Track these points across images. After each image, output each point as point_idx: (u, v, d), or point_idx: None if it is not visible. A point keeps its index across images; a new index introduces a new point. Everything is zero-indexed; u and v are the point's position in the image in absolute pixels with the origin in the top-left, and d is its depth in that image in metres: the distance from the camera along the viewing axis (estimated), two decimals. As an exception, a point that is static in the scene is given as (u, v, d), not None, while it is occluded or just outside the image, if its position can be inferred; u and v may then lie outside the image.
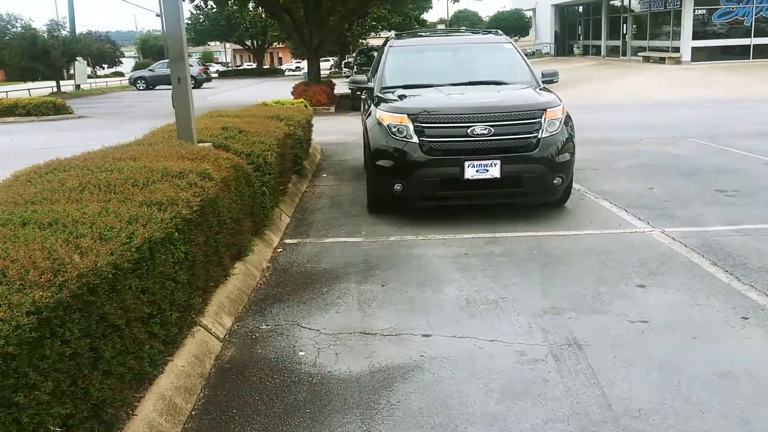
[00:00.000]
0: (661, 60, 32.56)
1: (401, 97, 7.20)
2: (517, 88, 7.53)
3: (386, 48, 8.51)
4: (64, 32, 36.88)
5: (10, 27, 34.09)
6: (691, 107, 18.35)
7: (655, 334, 4.12)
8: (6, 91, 34.67)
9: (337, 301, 4.81)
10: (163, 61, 44.92)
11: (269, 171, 6.42)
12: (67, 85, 42.23)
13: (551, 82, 8.12)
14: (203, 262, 4.18)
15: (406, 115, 6.71)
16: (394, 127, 6.73)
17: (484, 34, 9.87)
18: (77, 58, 39.24)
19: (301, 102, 11.70)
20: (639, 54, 36.07)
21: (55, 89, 38.12)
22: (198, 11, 58.46)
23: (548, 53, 50.47)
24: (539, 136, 6.64)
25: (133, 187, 4.02)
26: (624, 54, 38.75)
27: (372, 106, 7.30)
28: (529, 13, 56.56)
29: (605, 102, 20.78)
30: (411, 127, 6.65)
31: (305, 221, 7.22)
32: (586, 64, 37.07)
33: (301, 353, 4.01)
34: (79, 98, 36.15)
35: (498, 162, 6.52)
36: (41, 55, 34.71)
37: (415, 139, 6.62)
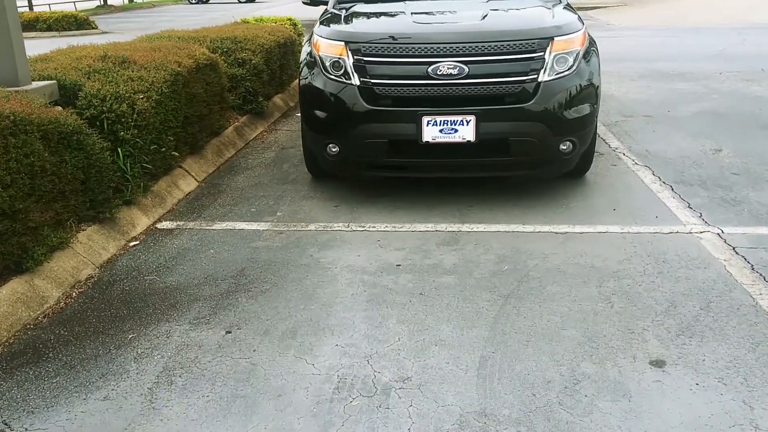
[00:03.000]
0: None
1: (351, 16, 4.99)
2: (521, 5, 5.18)
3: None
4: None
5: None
6: (794, 31, 15.02)
7: None
8: (49, 4, 33.52)
9: (120, 372, 2.88)
10: (216, -28, 42.87)
11: (139, 122, 4.45)
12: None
13: (581, -4, 5.71)
14: None
15: (343, 44, 4.54)
16: (329, 61, 4.59)
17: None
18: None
19: (288, 20, 9.50)
20: (737, -33, 31.39)
21: (102, 2, 36.76)
22: None
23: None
24: (539, 79, 4.37)
25: None
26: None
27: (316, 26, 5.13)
28: None
29: (686, 24, 17.52)
30: (350, 61, 4.49)
31: (215, 189, 5.26)
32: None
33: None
34: (123, 12, 34.77)
35: (472, 118, 4.32)
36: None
37: (355, 80, 4.47)
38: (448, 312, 3.25)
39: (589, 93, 4.58)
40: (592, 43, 4.79)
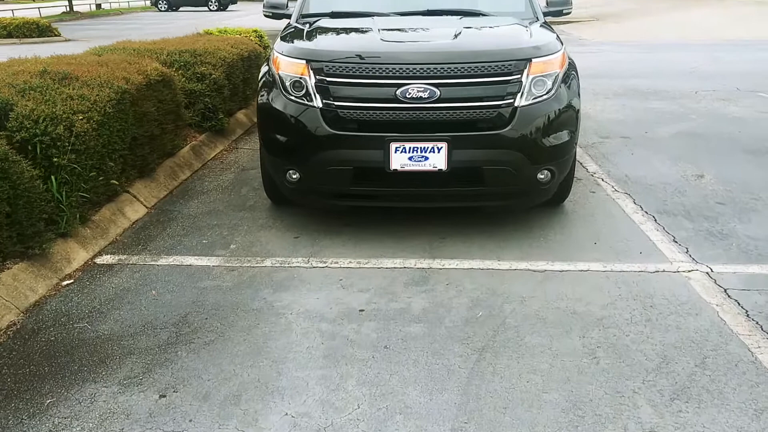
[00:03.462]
0: (732, -9, 28.37)
1: (314, 32, 4.62)
2: (496, 23, 4.86)
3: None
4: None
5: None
6: (766, 49, 15.02)
7: None
8: (12, 9, 32.65)
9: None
10: (186, -20, 42.34)
11: (77, 146, 4.03)
12: (86, 4, 40.13)
13: (559, 13, 5.43)
14: None
15: (305, 62, 4.16)
16: (290, 80, 4.21)
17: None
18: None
19: (254, 32, 9.10)
20: (706, -17, 31.72)
21: (68, 8, 35.96)
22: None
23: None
24: (516, 103, 4.04)
25: None
26: (689, -17, 34.31)
27: (276, 41, 4.74)
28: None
29: (659, 40, 17.50)
30: (311, 81, 4.12)
31: (165, 216, 4.84)
32: (644, -7, 32.94)
33: None
34: (90, 19, 34.02)
35: (444, 145, 3.98)
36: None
37: (317, 102, 4.10)
38: (415, 370, 2.88)
39: (569, 118, 4.26)
40: (571, 65, 4.49)
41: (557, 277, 3.78)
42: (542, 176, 4.20)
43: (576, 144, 4.44)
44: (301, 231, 4.50)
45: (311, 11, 5.26)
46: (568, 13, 5.49)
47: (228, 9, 40.72)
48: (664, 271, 3.85)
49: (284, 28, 5.09)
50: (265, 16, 5.70)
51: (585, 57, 13.52)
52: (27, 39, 20.41)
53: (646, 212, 4.81)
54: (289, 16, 5.40)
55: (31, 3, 37.07)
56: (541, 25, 4.87)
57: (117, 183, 4.58)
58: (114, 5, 43.66)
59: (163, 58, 6.49)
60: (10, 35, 20.45)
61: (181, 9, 40.58)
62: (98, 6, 41.51)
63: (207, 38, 7.95)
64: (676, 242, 4.25)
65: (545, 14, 5.26)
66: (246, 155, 6.56)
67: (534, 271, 3.86)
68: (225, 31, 8.95)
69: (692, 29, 19.31)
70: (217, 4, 40.32)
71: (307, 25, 4.83)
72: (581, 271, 3.86)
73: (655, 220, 4.64)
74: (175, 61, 6.54)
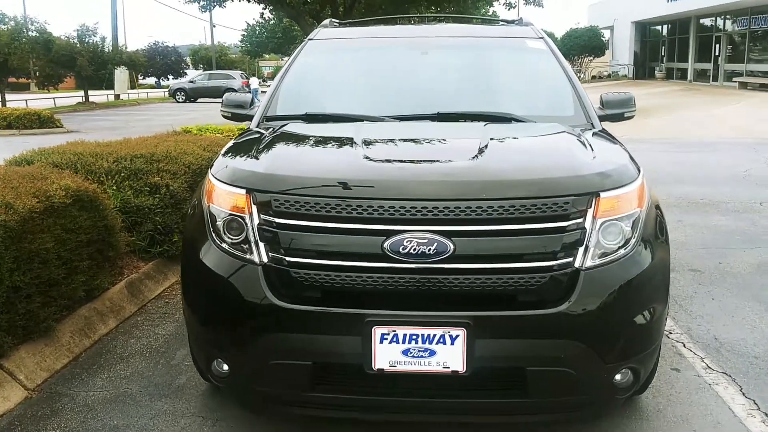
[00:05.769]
0: (763, 87, 27.33)
1: (270, 144, 3.15)
2: (536, 131, 3.39)
3: (303, 44, 4.48)
4: (95, 38, 34.32)
5: (25, 30, 31.58)
6: (818, 150, 13.51)
7: None
8: (26, 99, 32.44)
9: None
10: (205, 72, 42.52)
11: None
12: (103, 95, 40.19)
13: (620, 118, 3.95)
14: None
15: (245, 192, 2.67)
16: (222, 219, 2.71)
17: (498, 26, 5.69)
18: (119, 67, 36.95)
19: (240, 130, 7.79)
20: (734, 79, 30.82)
21: (84, 99, 35.84)
22: (256, 23, 56.35)
23: (626, 75, 45.38)
24: (578, 264, 2.49)
25: None
26: (715, 79, 33.53)
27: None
28: (606, 32, 51.26)
29: (695, 137, 16.12)
30: (253, 222, 2.62)
31: (47, 408, 3.26)
32: (669, 89, 32.12)
33: None
34: (104, 109, 33.71)
35: (461, 332, 2.41)
36: (67, 62, 32.20)
37: (260, 255, 2.58)
38: None
39: (660, 284, 2.70)
40: (656, 206, 2.96)
41: None
42: (621, 378, 2.61)
43: (663, 325, 2.85)
44: (239, 445, 2.90)
45: (278, 112, 3.86)
46: (631, 117, 4.03)
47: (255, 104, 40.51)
48: None
49: (236, 137, 3.67)
50: (224, 117, 4.31)
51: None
52: (26, 130, 19.54)
53: (766, 415, 3.15)
54: (251, 119, 3.99)
55: (48, 93, 37.04)
56: (597, 135, 3.39)
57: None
58: (133, 96, 43.79)
59: (106, 166, 5.12)
60: (9, 126, 19.62)
61: (199, 100, 40.40)
62: (117, 97, 41.52)
63: (176, 138, 6.61)
64: (842, 490, 2.58)
65: (600, 119, 3.80)
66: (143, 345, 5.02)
67: None
68: (206, 128, 7.63)
69: (731, 126, 17.97)
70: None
71: (268, 133, 3.39)
72: None
73: (788, 434, 2.98)
74: (122, 170, 5.17)
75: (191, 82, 42.41)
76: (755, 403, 3.27)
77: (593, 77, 47.63)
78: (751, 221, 7.23)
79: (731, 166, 11.38)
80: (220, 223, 2.71)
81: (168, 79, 53.16)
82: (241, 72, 46.58)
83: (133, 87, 45.87)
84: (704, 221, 7.29)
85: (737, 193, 8.85)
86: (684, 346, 3.97)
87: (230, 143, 3.38)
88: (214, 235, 2.73)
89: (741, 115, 20.52)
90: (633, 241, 2.60)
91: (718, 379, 3.53)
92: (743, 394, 3.37)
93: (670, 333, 4.13)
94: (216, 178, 2.84)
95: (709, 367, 3.67)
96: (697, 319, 4.40)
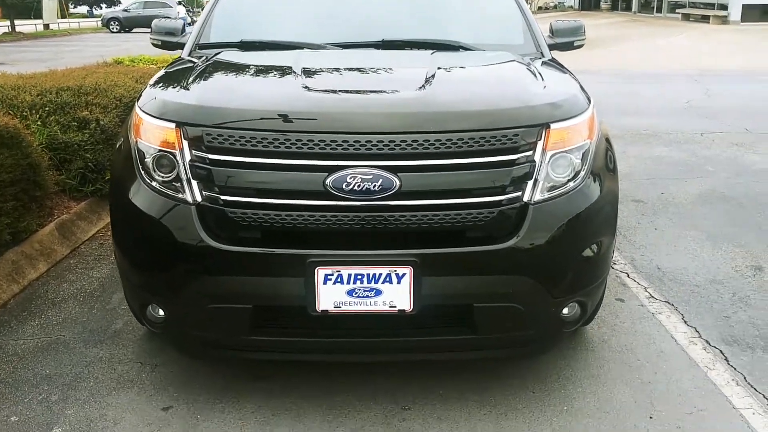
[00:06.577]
0: (704, 18, 27.64)
1: (202, 74, 2.93)
2: (485, 60, 3.26)
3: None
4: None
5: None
6: (758, 81, 13.79)
7: None
8: (-53, 30, 30.40)
9: None
10: (140, 0, 40.56)
11: None
12: (32, 24, 37.99)
13: (570, 47, 3.85)
14: None
15: (175, 126, 2.47)
16: (151, 156, 2.52)
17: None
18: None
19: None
20: (677, 11, 31.10)
21: (9, 28, 33.79)
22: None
23: (572, 6, 45.32)
24: (526, 198, 2.41)
25: None
26: (659, 11, 33.75)
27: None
28: (552, -39, 50.82)
29: (640, 69, 16.23)
30: (185, 159, 2.44)
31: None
32: (614, 20, 32.19)
33: None
34: (32, 40, 31.86)
35: (407, 270, 2.32)
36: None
37: (192, 195, 2.42)
38: None
39: (608, 217, 2.66)
40: (605, 138, 2.88)
41: None
42: (569, 312, 2.58)
43: (611, 257, 2.82)
44: (179, 391, 2.80)
45: (212, 39, 3.63)
46: (580, 46, 3.92)
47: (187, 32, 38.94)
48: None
49: (167, 65, 3.43)
50: (154, 45, 4.03)
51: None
52: (-53, 62, 18.33)
53: (707, 343, 3.22)
54: (182, 47, 3.74)
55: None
56: (547, 63, 3.28)
57: None
58: (64, 26, 41.49)
59: (29, 99, 4.78)
60: (-73, 58, 18.36)
61: (134, 30, 38.55)
62: (46, 26, 39.27)
63: (106, 70, 6.23)
64: (777, 413, 2.65)
65: (550, 48, 3.68)
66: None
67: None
68: (140, 59, 7.22)
69: (674, 57, 18.15)
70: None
71: (200, 62, 3.16)
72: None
73: (727, 361, 3.05)
74: (47, 104, 4.84)
75: (125, 11, 40.39)
76: (696, 331, 3.33)
77: (540, 8, 47.43)
78: (692, 152, 7.34)
79: (674, 98, 11.51)
80: (149, 160, 2.52)
81: (101, 8, 50.61)
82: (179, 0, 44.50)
83: (63, 16, 43.38)
84: (648, 152, 7.36)
85: (679, 125, 8.96)
86: (628, 276, 4.01)
87: (159, 73, 3.15)
88: (143, 173, 2.54)
89: (684, 46, 20.75)
90: (582, 173, 2.53)
91: (660, 309, 3.57)
92: (685, 322, 3.43)
93: (615, 263, 4.16)
94: (143, 111, 2.63)
95: (653, 297, 3.72)
96: (641, 249, 4.45)
